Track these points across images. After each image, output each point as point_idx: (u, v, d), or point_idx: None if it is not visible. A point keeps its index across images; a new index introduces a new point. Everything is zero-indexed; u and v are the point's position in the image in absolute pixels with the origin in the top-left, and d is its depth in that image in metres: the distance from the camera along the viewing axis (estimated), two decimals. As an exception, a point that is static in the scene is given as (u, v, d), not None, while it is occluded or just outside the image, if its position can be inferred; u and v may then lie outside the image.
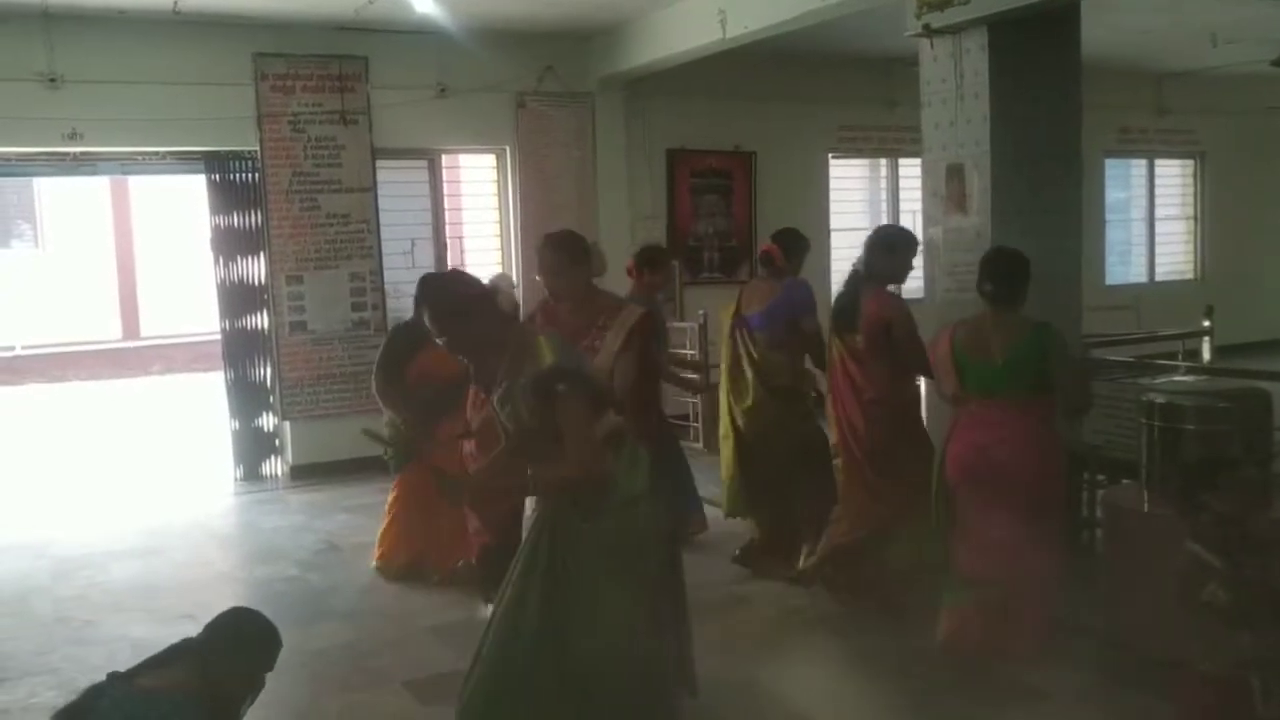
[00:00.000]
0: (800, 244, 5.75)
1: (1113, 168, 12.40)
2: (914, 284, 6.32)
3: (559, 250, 4.75)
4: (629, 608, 3.35)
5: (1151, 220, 12.89)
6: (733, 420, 5.66)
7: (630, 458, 3.47)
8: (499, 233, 9.13)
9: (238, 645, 3.12)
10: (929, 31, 5.54)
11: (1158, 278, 12.91)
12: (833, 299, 5.43)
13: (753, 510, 5.70)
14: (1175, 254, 13.12)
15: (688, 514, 6.06)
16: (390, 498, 5.99)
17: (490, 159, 9.13)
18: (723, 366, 5.76)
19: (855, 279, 5.18)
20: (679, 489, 5.98)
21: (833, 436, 5.29)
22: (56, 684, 4.52)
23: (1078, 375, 4.51)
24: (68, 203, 16.93)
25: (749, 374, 5.60)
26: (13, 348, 15.68)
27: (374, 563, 5.98)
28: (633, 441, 3.53)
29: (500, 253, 9.11)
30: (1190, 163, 13.00)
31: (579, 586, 3.35)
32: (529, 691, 3.35)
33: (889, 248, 5.16)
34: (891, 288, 5.34)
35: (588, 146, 9.17)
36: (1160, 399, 4.36)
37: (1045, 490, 4.34)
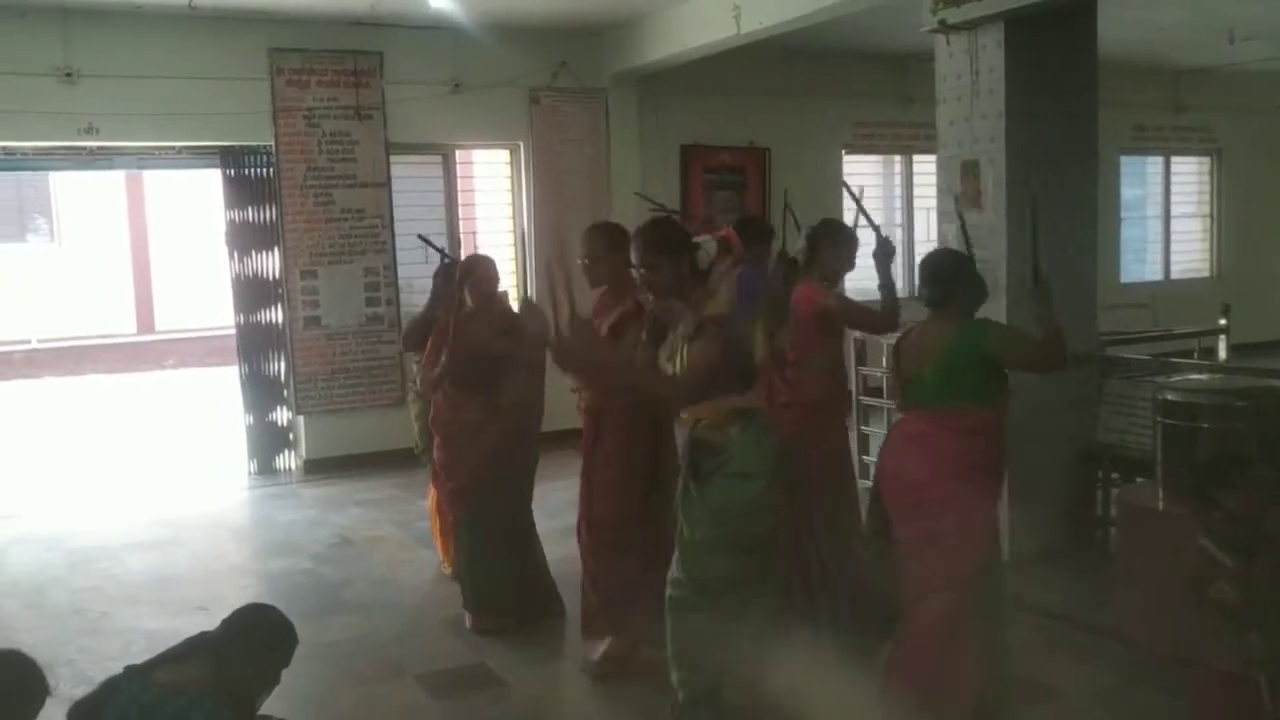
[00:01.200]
0: (761, 233, 5.35)
1: (1128, 165, 12.33)
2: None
3: (599, 236, 4.80)
4: (715, 569, 3.58)
5: (1167, 218, 12.82)
6: None
7: (756, 439, 3.59)
8: (512, 228, 9.14)
9: (254, 642, 3.13)
10: (945, 27, 5.53)
11: (1173, 276, 12.83)
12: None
13: None
14: (1191, 252, 13.05)
15: None
16: (430, 507, 5.94)
17: (504, 154, 9.14)
18: None
19: (792, 270, 4.78)
20: None
21: None
22: (72, 675, 4.54)
23: (1030, 343, 3.89)
24: (83, 197, 17.03)
25: None
26: (29, 341, 15.78)
27: (447, 570, 5.80)
28: (764, 423, 3.67)
29: (514, 248, 9.12)
30: (1207, 160, 12.92)
31: (684, 544, 3.62)
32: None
33: (835, 242, 4.82)
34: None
35: (601, 142, 9.17)
36: (1176, 397, 4.35)
37: (946, 507, 3.77)
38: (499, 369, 4.97)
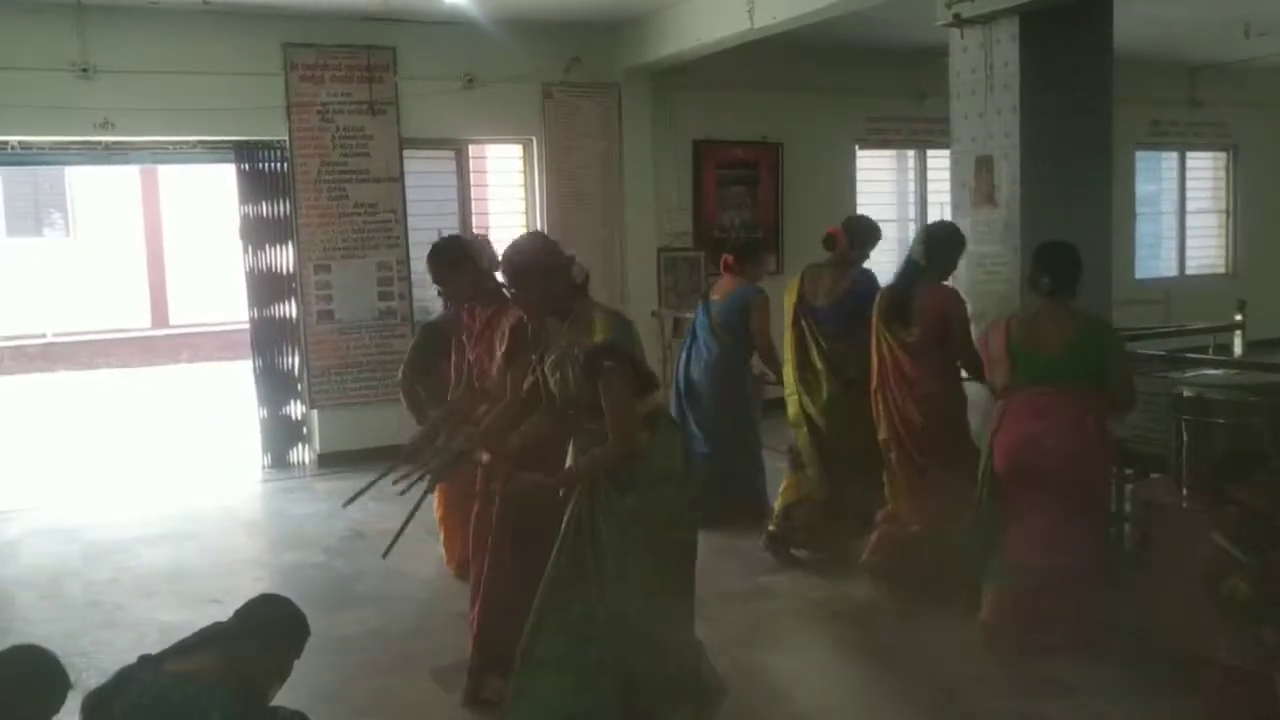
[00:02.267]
0: (869, 233, 5.81)
1: (1143, 160, 12.26)
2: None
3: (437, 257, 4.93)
4: (657, 578, 3.57)
5: (1182, 213, 12.73)
6: (804, 409, 5.68)
7: (665, 437, 3.64)
8: (525, 223, 9.14)
9: (266, 632, 3.15)
10: (959, 21, 5.51)
11: (1188, 271, 12.76)
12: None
13: (832, 495, 5.62)
14: (1206, 248, 12.96)
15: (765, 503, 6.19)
16: (438, 515, 5.87)
17: (517, 149, 9.14)
18: (789, 354, 5.78)
19: (912, 270, 5.13)
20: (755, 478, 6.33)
21: (881, 431, 5.20)
22: (87, 666, 4.57)
23: (1129, 372, 4.48)
24: (99, 192, 17.09)
25: (820, 366, 5.62)
26: (44, 335, 15.86)
27: (452, 570, 5.82)
28: (669, 423, 3.71)
29: (526, 243, 9.11)
30: (1222, 155, 12.83)
31: (611, 554, 3.54)
32: (576, 648, 3.57)
33: (950, 243, 5.17)
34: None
35: (614, 137, 9.17)
36: (1191, 393, 4.32)
37: (1090, 481, 4.38)
38: None
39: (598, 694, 3.56)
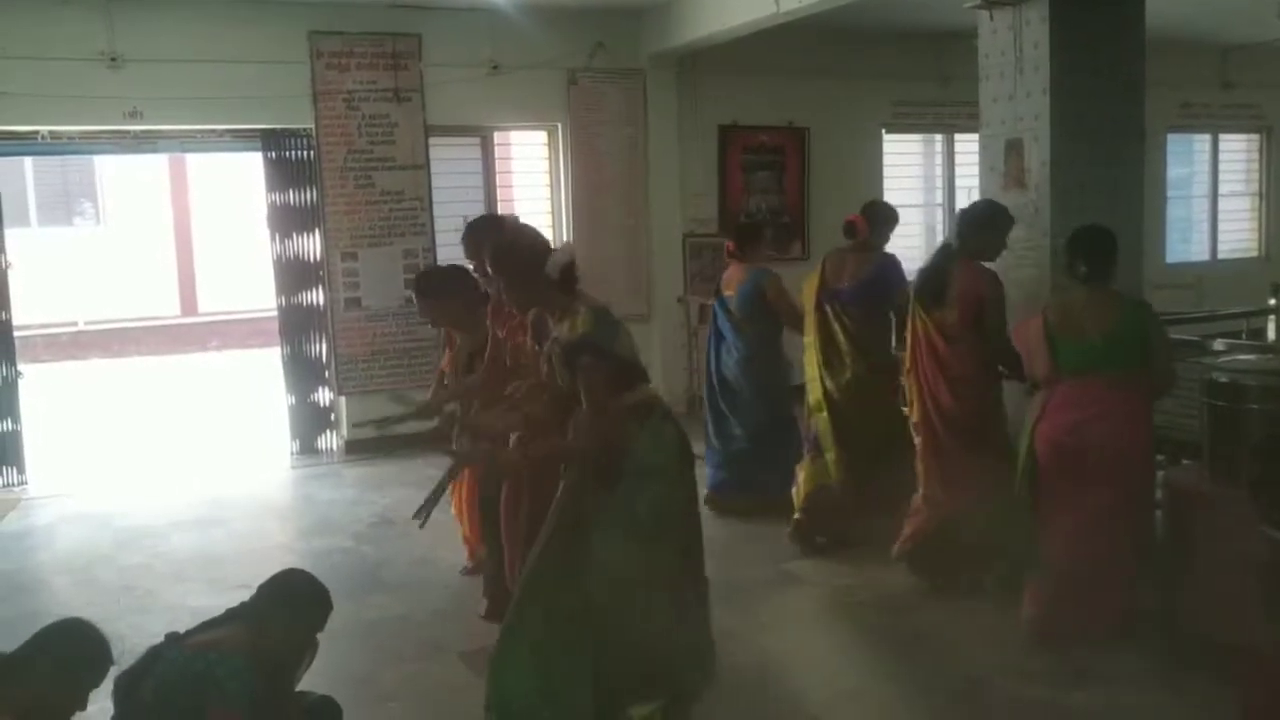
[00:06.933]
0: (886, 216, 5.83)
1: (1175, 143, 12.09)
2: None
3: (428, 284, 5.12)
4: (634, 569, 3.53)
5: (1215, 197, 12.56)
6: (826, 393, 5.68)
7: (656, 431, 3.64)
8: (550, 210, 9.15)
9: (287, 603, 3.21)
10: (989, 3, 5.46)
11: (1220, 255, 12.60)
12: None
13: (851, 478, 5.59)
14: (1239, 231, 12.80)
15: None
16: (453, 506, 5.73)
17: (542, 136, 9.14)
18: (810, 339, 5.79)
19: (945, 252, 5.11)
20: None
21: (913, 414, 5.14)
22: (121, 649, 4.60)
23: (1170, 355, 4.42)
24: (128, 180, 17.20)
25: (845, 347, 5.63)
26: (75, 323, 16.02)
27: (468, 563, 5.67)
28: (662, 418, 3.69)
29: (551, 230, 9.13)
30: (1256, 138, 12.65)
31: (596, 547, 3.55)
32: (555, 639, 3.57)
33: (986, 223, 5.07)
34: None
35: (639, 123, 9.14)
36: (1223, 378, 4.27)
37: (1140, 466, 4.32)
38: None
39: (567, 678, 3.55)
